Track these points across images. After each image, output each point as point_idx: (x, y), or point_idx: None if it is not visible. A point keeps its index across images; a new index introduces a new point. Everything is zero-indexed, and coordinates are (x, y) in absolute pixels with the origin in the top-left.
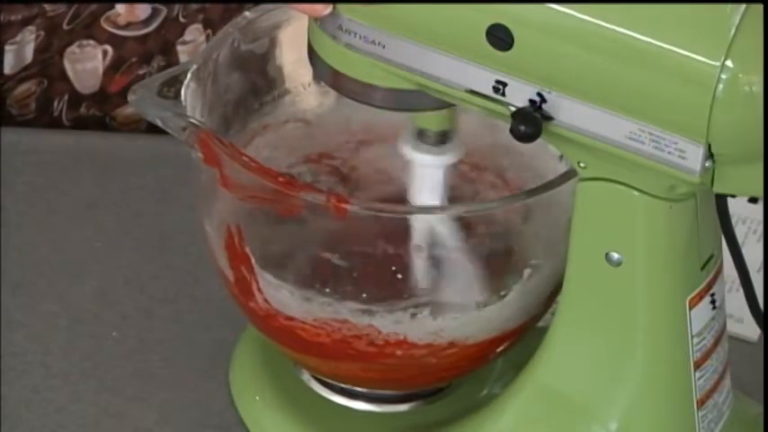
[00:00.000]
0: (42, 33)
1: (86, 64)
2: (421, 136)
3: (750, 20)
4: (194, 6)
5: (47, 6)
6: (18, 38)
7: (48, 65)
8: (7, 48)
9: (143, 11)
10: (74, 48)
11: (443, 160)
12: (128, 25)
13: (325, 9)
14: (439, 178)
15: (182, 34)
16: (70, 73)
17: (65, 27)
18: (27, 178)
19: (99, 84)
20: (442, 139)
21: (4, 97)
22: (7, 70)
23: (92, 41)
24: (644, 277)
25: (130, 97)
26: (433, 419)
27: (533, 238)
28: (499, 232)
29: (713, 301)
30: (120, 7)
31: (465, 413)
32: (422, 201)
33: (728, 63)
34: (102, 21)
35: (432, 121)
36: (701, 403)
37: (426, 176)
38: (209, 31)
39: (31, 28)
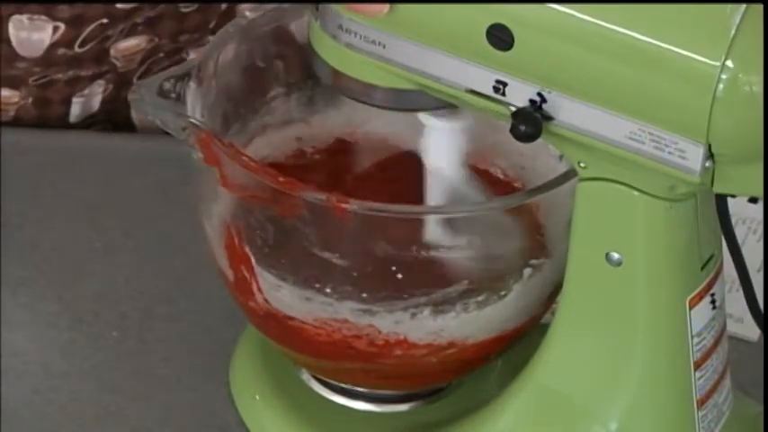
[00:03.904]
0: (111, 86)
1: None
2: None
3: (750, 20)
4: None
5: (117, 63)
6: (86, 91)
7: (113, 112)
8: (75, 100)
9: None
10: None
11: (458, 125)
12: None
13: (383, 9)
14: (455, 143)
15: None
16: (135, 121)
17: (135, 81)
18: (27, 178)
19: None
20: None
21: None
22: (72, 119)
23: None
24: (644, 277)
25: (131, 97)
26: (433, 419)
27: (533, 238)
28: (499, 232)
29: (713, 301)
30: None
31: (465, 413)
32: (438, 166)
33: (728, 63)
34: None
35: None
36: (701, 403)
37: (442, 141)
38: None
39: (101, 82)
